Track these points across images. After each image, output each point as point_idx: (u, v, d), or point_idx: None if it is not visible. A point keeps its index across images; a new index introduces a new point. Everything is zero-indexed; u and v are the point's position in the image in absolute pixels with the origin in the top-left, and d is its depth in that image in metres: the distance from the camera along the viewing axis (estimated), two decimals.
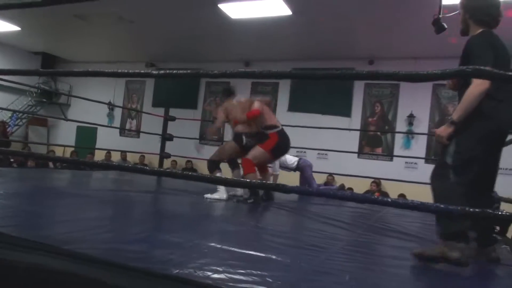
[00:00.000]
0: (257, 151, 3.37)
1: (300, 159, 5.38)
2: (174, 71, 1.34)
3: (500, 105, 1.80)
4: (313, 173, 5.44)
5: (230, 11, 6.43)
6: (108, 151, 9.86)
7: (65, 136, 11.76)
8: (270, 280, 1.29)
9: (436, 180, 1.84)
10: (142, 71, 1.55)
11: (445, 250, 1.65)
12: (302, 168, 5.28)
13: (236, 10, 6.41)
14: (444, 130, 1.84)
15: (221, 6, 6.25)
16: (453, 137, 1.81)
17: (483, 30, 1.88)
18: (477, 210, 0.88)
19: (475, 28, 1.91)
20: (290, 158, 5.21)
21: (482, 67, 0.95)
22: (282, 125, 3.66)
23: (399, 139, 8.23)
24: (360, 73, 1.09)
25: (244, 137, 3.48)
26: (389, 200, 1.00)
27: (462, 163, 1.78)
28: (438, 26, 3.54)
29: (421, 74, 0.96)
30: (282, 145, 3.43)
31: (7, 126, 10.69)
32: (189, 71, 1.35)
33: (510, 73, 0.92)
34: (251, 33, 7.39)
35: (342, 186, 7.67)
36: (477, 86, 1.73)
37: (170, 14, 6.99)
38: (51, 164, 8.28)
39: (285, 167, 5.25)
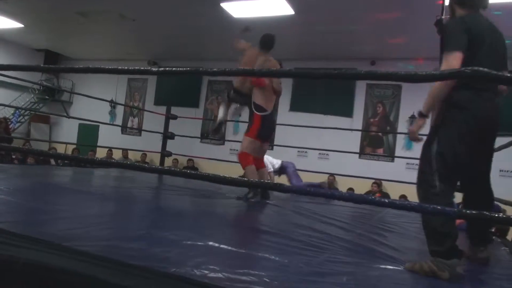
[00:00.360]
0: (245, 142, 3.40)
1: (283, 161, 5.45)
2: (173, 69, 1.34)
3: (479, 94, 1.67)
4: (314, 173, 5.47)
5: (232, 10, 6.44)
6: (110, 149, 9.88)
7: (67, 133, 11.79)
8: (267, 280, 1.29)
9: (420, 188, 1.76)
10: (143, 68, 1.56)
11: (435, 269, 1.60)
12: (284, 166, 5.38)
13: (238, 9, 6.42)
14: (415, 125, 1.79)
15: (223, 5, 6.25)
16: (435, 137, 1.73)
17: (466, 14, 1.78)
18: (473, 212, 0.88)
19: (460, 12, 1.82)
20: (273, 159, 5.37)
21: (480, 68, 0.94)
22: (283, 124, 3.66)
23: (400, 140, 8.22)
24: (359, 72, 1.10)
25: (232, 91, 3.52)
26: (386, 201, 1.00)
27: (446, 165, 1.67)
28: (440, 26, 3.54)
29: (419, 74, 0.96)
30: (265, 128, 3.44)
31: (9, 123, 10.73)
32: (188, 69, 1.35)
33: (508, 75, 0.92)
34: (253, 32, 7.37)
35: (325, 184, 7.42)
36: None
37: (172, 13, 6.99)
38: (52, 161, 8.30)
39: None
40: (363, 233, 2.44)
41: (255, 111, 3.46)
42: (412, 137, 1.80)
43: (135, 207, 2.69)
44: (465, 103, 1.67)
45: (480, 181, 1.87)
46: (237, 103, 3.64)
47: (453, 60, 1.63)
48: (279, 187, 1.15)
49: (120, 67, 1.46)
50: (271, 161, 5.27)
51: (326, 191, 1.13)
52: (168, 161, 9.19)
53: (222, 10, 6.46)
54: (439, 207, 0.94)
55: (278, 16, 6.39)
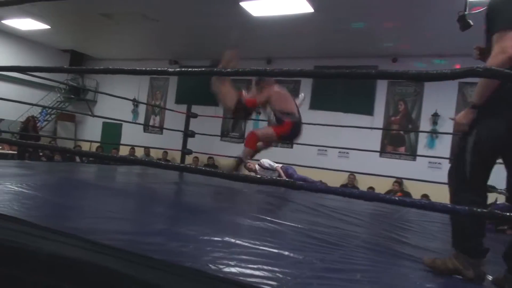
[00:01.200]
0: (268, 130, 3.38)
1: (282, 166, 5.48)
2: (189, 69, 1.38)
3: None
4: (334, 171, 5.48)
5: (251, 9, 6.47)
6: (132, 147, 10.11)
7: (91, 131, 12.12)
8: (281, 276, 1.32)
9: (451, 182, 1.64)
10: (160, 69, 1.60)
11: (459, 266, 1.52)
12: (290, 174, 5.45)
13: (257, 8, 6.44)
14: (464, 116, 1.58)
15: (243, 4, 6.29)
16: (474, 127, 1.55)
17: None
18: (484, 210, 0.88)
19: None
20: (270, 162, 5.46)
21: (493, 67, 0.93)
22: (303, 123, 3.65)
23: (422, 138, 8.08)
24: (369, 72, 1.10)
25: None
26: (396, 198, 1.01)
27: (482, 158, 1.53)
28: (463, 23, 3.45)
29: (430, 74, 0.96)
30: (291, 134, 3.42)
31: (37, 121, 11.12)
32: (203, 69, 1.39)
33: None
34: (272, 30, 7.40)
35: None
36: (494, 58, 1.43)
37: (192, 13, 7.09)
38: (77, 159, 8.56)
39: (265, 168, 5.40)
40: (380, 231, 2.43)
41: (284, 118, 3.37)
42: (459, 129, 1.61)
43: (155, 203, 2.75)
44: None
45: None
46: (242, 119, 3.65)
47: (508, 41, 1.39)
48: (292, 185, 1.17)
49: (136, 68, 1.50)
50: (271, 164, 5.39)
51: (338, 189, 1.15)
52: (189, 159, 9.32)
53: (242, 9, 6.50)
54: (449, 205, 0.94)
55: (297, 14, 6.38)
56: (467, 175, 1.55)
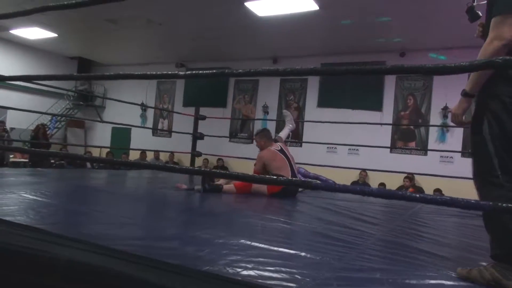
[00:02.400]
0: (262, 188, 3.43)
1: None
2: (199, 72, 1.36)
3: None
4: (345, 169, 5.38)
5: (256, 8, 6.45)
6: (143, 151, 10.16)
7: (101, 137, 12.21)
8: (299, 277, 1.30)
9: (478, 180, 1.46)
10: (170, 72, 1.59)
11: (499, 277, 1.33)
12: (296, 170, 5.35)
13: (262, 8, 6.42)
14: (458, 106, 1.50)
15: (248, 4, 6.28)
16: (483, 117, 1.43)
17: None
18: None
19: None
20: None
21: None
22: (311, 121, 3.66)
23: (433, 132, 7.98)
24: (382, 67, 1.07)
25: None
26: (416, 196, 0.98)
27: (506, 145, 1.37)
28: (472, 14, 3.40)
29: (448, 66, 0.93)
30: (283, 192, 3.44)
31: (47, 129, 11.22)
32: (214, 71, 1.38)
33: None
34: (278, 30, 7.37)
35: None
36: (490, 44, 1.35)
37: (196, 15, 7.09)
38: (88, 164, 8.63)
39: None
40: (395, 227, 2.40)
41: None
42: (455, 119, 1.53)
43: (166, 207, 2.75)
44: None
45: None
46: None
47: (505, 27, 1.30)
48: (308, 184, 1.15)
49: (149, 73, 1.50)
50: None
51: (353, 187, 1.12)
52: (199, 161, 9.34)
53: (246, 10, 6.49)
54: (472, 201, 0.91)
55: (303, 12, 6.34)
56: (496, 168, 1.38)
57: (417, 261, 1.69)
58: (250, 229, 2.07)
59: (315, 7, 6.13)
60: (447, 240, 2.21)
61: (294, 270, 1.35)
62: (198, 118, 5.98)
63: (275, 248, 1.63)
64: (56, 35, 9.25)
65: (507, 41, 1.32)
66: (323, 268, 1.44)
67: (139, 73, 1.59)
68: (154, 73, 1.47)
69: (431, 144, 7.91)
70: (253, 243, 1.67)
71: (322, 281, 1.31)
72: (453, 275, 1.51)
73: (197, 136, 5.90)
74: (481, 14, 3.43)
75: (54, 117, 11.45)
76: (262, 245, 1.65)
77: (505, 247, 1.37)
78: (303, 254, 1.58)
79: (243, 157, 7.01)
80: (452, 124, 1.62)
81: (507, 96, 1.38)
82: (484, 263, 1.49)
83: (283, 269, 1.35)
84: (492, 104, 1.42)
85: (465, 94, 1.49)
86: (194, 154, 5.90)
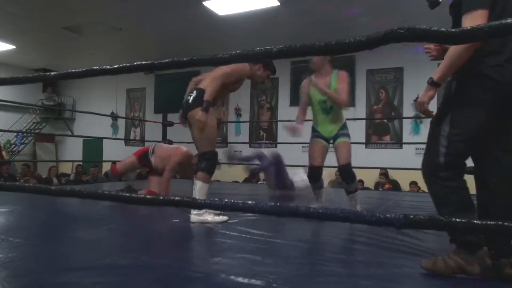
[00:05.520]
0: None
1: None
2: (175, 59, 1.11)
3: (509, 64, 1.37)
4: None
5: (216, 7, 6.21)
6: (114, 162, 9.79)
7: (73, 150, 11.77)
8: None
9: (426, 173, 1.53)
10: (143, 62, 1.25)
11: (463, 264, 1.41)
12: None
13: (222, 6, 6.18)
14: (424, 94, 1.50)
15: (206, 3, 6.03)
16: (447, 113, 1.46)
17: None
18: (491, 222, 0.66)
19: None
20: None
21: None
22: (285, 120, 3.50)
23: (407, 125, 7.87)
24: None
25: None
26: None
27: (459, 148, 1.43)
28: (432, 0, 3.26)
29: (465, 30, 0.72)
30: None
31: (13, 145, 10.77)
32: (185, 59, 1.13)
33: None
34: (242, 28, 7.15)
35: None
36: None
37: (156, 20, 6.83)
38: (55, 180, 8.25)
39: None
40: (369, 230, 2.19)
41: None
42: (420, 108, 1.54)
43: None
44: (492, 72, 1.37)
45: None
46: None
47: (477, 20, 1.33)
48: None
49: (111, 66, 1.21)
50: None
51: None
52: None
53: (206, 9, 6.24)
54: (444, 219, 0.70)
55: (263, 9, 6.12)
56: (441, 160, 1.46)
57: (399, 262, 1.52)
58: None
59: (275, 2, 5.92)
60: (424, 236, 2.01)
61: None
62: (166, 124, 5.76)
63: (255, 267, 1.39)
64: (13, 46, 8.84)
65: None
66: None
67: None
68: (128, 64, 1.19)
69: (406, 137, 7.81)
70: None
71: None
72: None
73: (165, 143, 5.66)
74: (440, 0, 3.28)
75: (20, 133, 11.00)
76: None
77: (461, 235, 1.43)
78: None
79: (218, 162, 6.77)
80: (423, 115, 1.61)
81: (476, 96, 1.40)
82: None
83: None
84: (458, 104, 1.44)
85: (432, 82, 1.49)
86: None
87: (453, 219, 0.72)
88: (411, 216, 0.71)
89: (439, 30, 0.81)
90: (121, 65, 1.14)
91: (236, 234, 2.11)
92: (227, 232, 2.11)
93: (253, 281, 1.34)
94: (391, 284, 1.38)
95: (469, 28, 0.76)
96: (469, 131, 1.41)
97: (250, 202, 0.80)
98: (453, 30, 0.79)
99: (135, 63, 1.14)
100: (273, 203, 0.80)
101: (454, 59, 1.39)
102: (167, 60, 1.14)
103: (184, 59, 1.10)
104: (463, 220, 0.76)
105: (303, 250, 1.81)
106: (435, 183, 1.49)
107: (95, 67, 1.22)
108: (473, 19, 1.34)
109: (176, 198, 0.95)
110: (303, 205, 0.80)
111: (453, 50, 1.39)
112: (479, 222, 0.76)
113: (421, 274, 1.47)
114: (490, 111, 1.39)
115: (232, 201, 0.83)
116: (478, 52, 1.37)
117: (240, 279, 1.35)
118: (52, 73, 1.37)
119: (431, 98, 1.50)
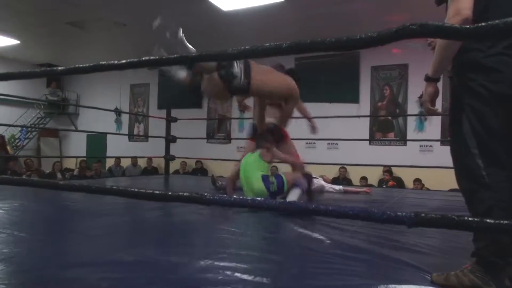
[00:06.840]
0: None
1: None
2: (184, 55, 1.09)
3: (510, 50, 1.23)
4: (324, 165, 5.13)
5: (219, 3, 6.18)
6: (118, 158, 9.83)
7: (76, 145, 11.82)
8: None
9: (465, 180, 1.33)
10: (151, 57, 1.23)
11: (478, 283, 1.25)
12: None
13: (226, 2, 6.15)
14: (424, 93, 1.43)
15: None
16: (461, 111, 1.31)
17: None
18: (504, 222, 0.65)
19: None
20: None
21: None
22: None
23: (411, 122, 7.84)
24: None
25: None
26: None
27: (489, 144, 1.25)
28: None
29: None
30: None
31: (17, 140, 10.80)
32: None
33: None
34: (246, 24, 7.11)
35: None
36: (449, 21, 1.27)
37: (159, 14, 6.79)
38: (59, 175, 8.28)
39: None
40: (372, 233, 2.17)
41: None
42: (425, 107, 1.45)
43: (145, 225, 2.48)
44: (490, 62, 1.25)
45: None
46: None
47: (463, 2, 1.24)
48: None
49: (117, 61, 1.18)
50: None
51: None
52: (177, 164, 9.06)
53: (210, 5, 6.22)
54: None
55: (268, 4, 6.09)
56: (481, 171, 1.25)
57: (399, 271, 1.48)
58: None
59: None
60: (423, 240, 1.99)
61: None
62: (169, 120, 5.75)
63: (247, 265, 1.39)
64: (18, 41, 8.84)
65: (466, 15, 1.24)
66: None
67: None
68: (131, 60, 1.16)
69: (410, 134, 7.78)
70: None
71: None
72: (427, 277, 1.38)
73: (169, 139, 5.67)
74: None
75: (24, 128, 11.04)
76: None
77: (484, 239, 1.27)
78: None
79: (220, 159, 6.77)
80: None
81: (483, 88, 1.26)
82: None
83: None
84: (468, 98, 1.30)
85: (427, 79, 1.42)
86: (167, 158, 5.67)
87: (465, 218, 0.70)
88: (423, 215, 0.70)
89: (453, 26, 0.80)
90: (128, 60, 1.13)
91: (241, 231, 2.11)
92: (232, 229, 2.11)
93: (257, 278, 1.34)
94: (394, 283, 1.37)
95: (484, 24, 0.74)
96: (490, 126, 1.26)
97: (259, 199, 0.80)
98: (467, 26, 0.77)
99: (142, 58, 1.12)
100: (282, 200, 0.79)
101: (444, 50, 1.31)
102: (174, 55, 1.13)
103: (192, 55, 1.09)
104: (475, 219, 0.75)
105: (307, 248, 1.80)
106: (475, 193, 1.29)
107: (103, 62, 1.20)
108: (457, 2, 1.26)
109: (184, 194, 0.95)
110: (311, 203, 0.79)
111: (441, 40, 1.31)
112: (492, 221, 0.75)
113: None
114: (499, 102, 1.26)
115: (241, 197, 0.82)
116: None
117: (245, 276, 1.35)
118: (59, 68, 1.35)
119: (431, 95, 1.41)
